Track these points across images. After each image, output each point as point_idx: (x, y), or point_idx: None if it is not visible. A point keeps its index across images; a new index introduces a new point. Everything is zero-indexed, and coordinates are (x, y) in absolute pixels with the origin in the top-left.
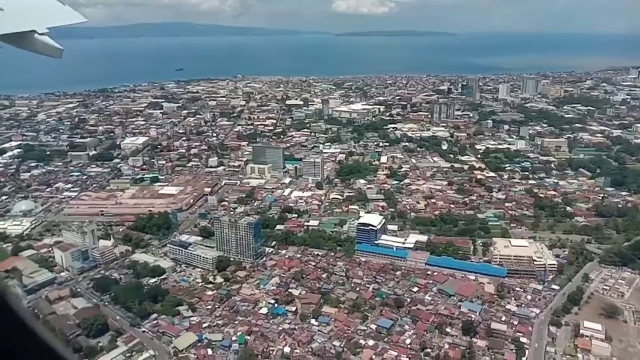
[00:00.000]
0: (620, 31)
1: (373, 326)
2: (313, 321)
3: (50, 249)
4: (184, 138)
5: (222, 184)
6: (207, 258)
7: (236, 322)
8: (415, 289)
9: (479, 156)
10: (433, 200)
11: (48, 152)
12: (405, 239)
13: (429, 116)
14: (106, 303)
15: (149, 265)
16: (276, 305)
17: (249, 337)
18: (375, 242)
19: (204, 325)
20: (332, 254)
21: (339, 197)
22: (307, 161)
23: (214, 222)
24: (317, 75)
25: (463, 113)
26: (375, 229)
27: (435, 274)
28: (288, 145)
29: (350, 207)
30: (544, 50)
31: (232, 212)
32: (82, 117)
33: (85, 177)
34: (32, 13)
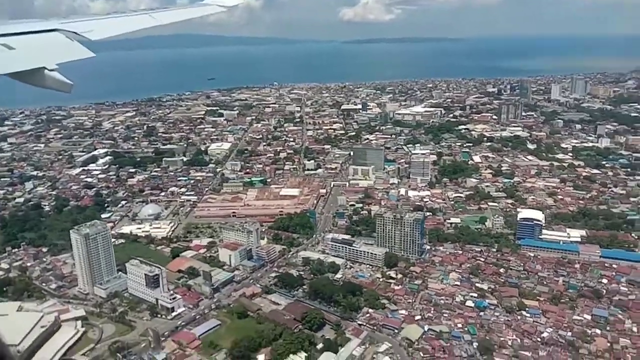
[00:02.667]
0: (622, 32)
1: (587, 316)
2: (524, 313)
3: (206, 249)
4: (264, 143)
5: (332, 186)
6: (375, 254)
7: (445, 314)
8: (605, 280)
9: (570, 154)
10: (560, 197)
11: (138, 159)
12: (568, 234)
13: (495, 117)
14: (299, 298)
15: (324, 262)
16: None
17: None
18: (539, 236)
19: (416, 317)
20: (493, 249)
21: (461, 195)
22: (415, 161)
23: (377, 218)
24: (349, 80)
25: (527, 114)
26: (540, 223)
27: (614, 266)
28: (357, 148)
29: (481, 205)
30: (561, 53)
31: (381, 211)
32: (149, 125)
33: (192, 181)
34: (42, 50)
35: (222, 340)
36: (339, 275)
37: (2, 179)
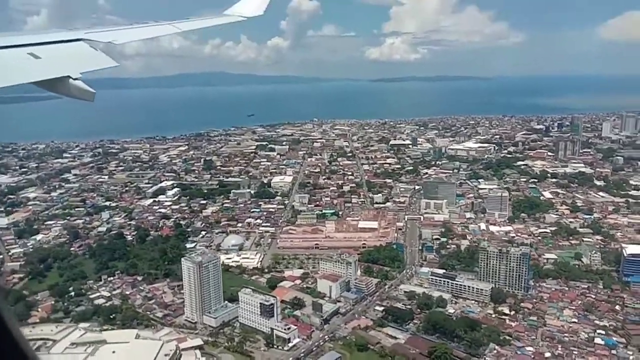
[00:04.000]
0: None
1: None
2: None
3: (300, 280)
4: (323, 177)
5: (406, 219)
6: (481, 289)
7: (575, 352)
8: None
9: None
10: None
11: (205, 191)
12: None
13: (551, 153)
14: (414, 332)
15: (431, 296)
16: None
17: None
18: None
19: (546, 354)
20: (599, 286)
21: (546, 230)
22: (493, 196)
23: (480, 252)
24: (388, 117)
25: (582, 150)
26: None
27: None
28: (428, 182)
29: (570, 240)
30: (591, 91)
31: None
32: (206, 159)
33: (265, 213)
34: (66, 60)
35: None
36: (451, 310)
37: (76, 209)
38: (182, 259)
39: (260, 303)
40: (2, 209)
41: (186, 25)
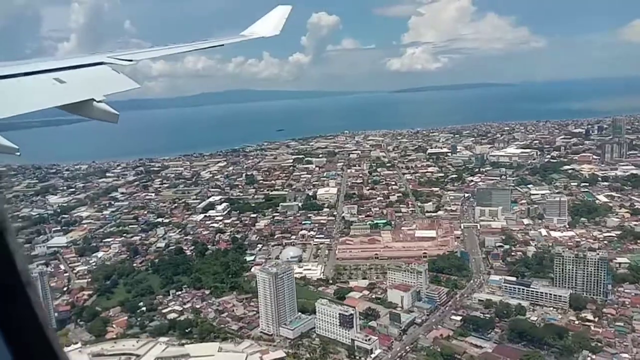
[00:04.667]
0: None
1: None
2: None
3: (367, 290)
4: (367, 187)
5: (462, 227)
6: (559, 296)
7: None
8: None
9: None
10: None
11: (253, 205)
12: None
13: (596, 156)
14: (496, 341)
15: (509, 304)
16: None
17: None
18: None
19: None
20: None
21: (611, 234)
22: (552, 200)
23: (554, 258)
24: (418, 126)
25: (630, 152)
26: None
27: None
28: (475, 189)
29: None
30: (620, 94)
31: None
32: (247, 174)
33: (317, 225)
34: (90, 83)
35: None
36: (532, 318)
37: (130, 226)
38: (257, 271)
39: (340, 313)
40: (59, 228)
41: (203, 44)
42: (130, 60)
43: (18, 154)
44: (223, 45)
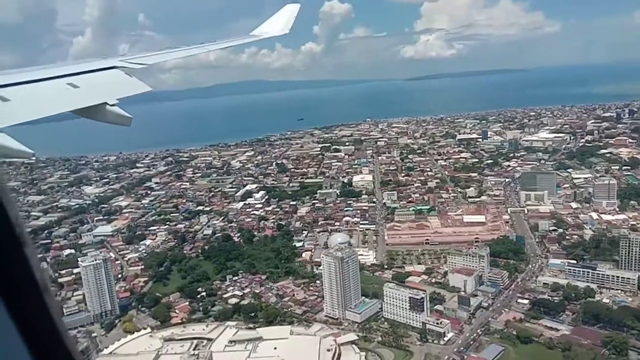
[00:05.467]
0: None
1: None
2: None
3: (425, 275)
4: (401, 174)
5: (508, 212)
6: (627, 278)
7: None
8: None
9: None
10: None
11: (290, 192)
12: None
13: (631, 140)
14: (570, 324)
15: (577, 287)
16: None
17: None
18: None
19: None
20: None
21: None
22: (600, 184)
23: (621, 240)
24: (440, 113)
25: None
26: None
27: None
28: (514, 174)
29: None
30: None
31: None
32: (277, 162)
33: (359, 211)
34: (103, 87)
35: None
36: (606, 300)
37: (171, 215)
38: (322, 255)
39: (410, 297)
40: (101, 218)
41: (214, 46)
42: (142, 64)
43: (33, 159)
44: (233, 46)
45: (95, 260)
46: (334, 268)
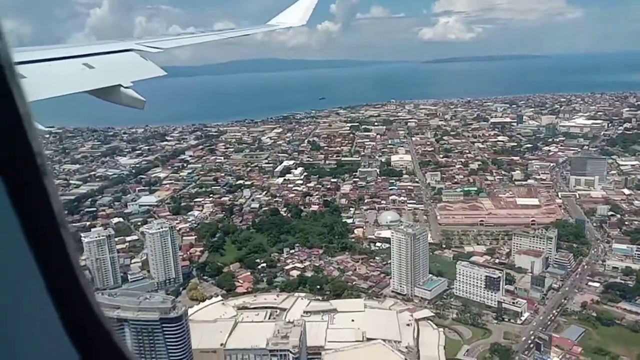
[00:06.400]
0: None
1: None
2: None
3: (488, 255)
4: (440, 155)
5: (559, 196)
6: None
7: None
8: None
9: None
10: None
11: (328, 170)
12: None
13: None
14: None
15: None
16: None
17: None
18: None
19: None
20: None
21: None
22: None
23: None
24: (468, 96)
25: None
26: None
27: None
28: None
29: None
30: None
31: None
32: (309, 140)
33: (403, 190)
34: (118, 69)
35: (607, 347)
36: None
37: (212, 187)
38: (392, 231)
39: (486, 276)
40: (142, 188)
41: (230, 34)
42: (158, 48)
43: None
44: (249, 34)
45: (162, 228)
46: (404, 244)
